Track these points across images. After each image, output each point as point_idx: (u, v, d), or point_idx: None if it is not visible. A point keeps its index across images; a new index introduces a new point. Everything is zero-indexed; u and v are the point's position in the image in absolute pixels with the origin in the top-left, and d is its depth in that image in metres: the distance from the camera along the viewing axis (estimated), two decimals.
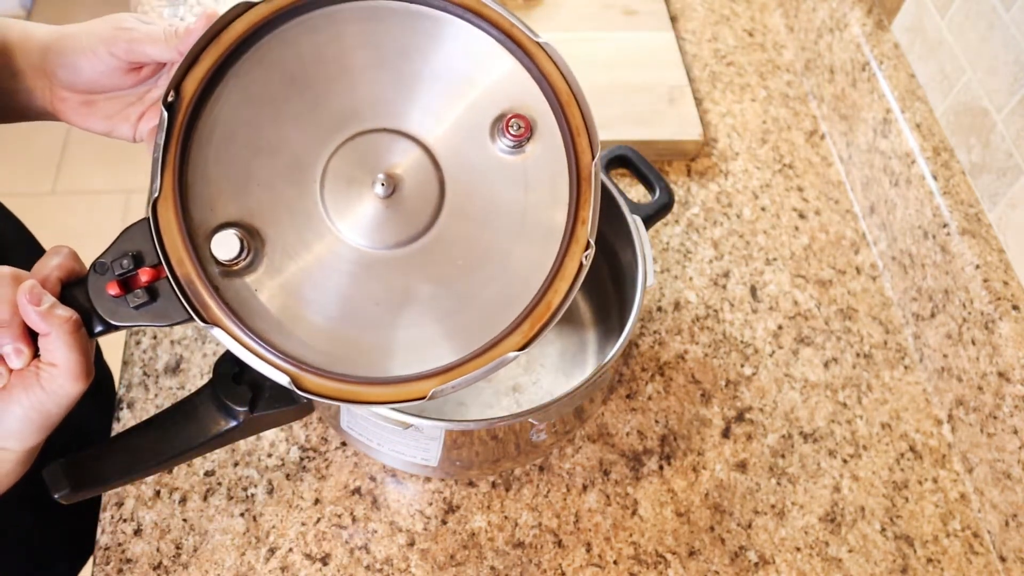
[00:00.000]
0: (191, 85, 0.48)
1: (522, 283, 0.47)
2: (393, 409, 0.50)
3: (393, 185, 0.48)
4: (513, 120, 0.49)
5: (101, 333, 0.44)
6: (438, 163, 0.49)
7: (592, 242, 0.47)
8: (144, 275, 0.44)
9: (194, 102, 0.48)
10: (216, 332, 0.43)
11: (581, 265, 0.47)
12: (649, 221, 0.63)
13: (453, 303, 0.47)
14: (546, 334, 0.46)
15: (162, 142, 0.46)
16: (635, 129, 0.80)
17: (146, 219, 0.45)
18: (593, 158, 0.49)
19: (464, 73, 0.51)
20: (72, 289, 0.44)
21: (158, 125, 0.46)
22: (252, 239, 0.46)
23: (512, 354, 0.45)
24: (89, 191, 1.88)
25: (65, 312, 0.42)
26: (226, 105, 0.49)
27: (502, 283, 0.47)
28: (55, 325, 0.41)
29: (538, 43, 0.51)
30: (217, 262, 0.45)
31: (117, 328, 0.44)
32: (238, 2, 0.50)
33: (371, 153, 0.49)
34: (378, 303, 0.47)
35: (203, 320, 0.44)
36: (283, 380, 0.43)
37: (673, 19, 0.94)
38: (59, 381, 0.42)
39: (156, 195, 0.45)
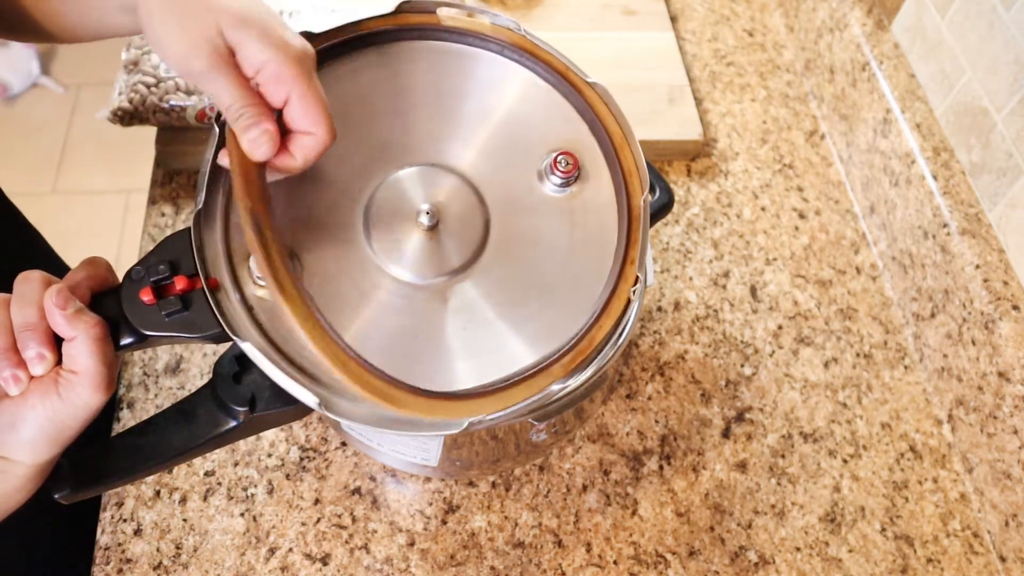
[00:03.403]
0: None
1: (565, 321, 0.46)
2: (429, 435, 0.49)
3: (437, 217, 0.48)
4: (561, 157, 0.50)
5: (128, 347, 0.44)
6: (484, 200, 0.50)
7: (641, 277, 0.47)
8: (179, 283, 0.44)
9: None
10: (246, 347, 0.43)
11: (629, 301, 0.47)
12: (649, 221, 0.63)
13: (494, 339, 0.47)
14: (589, 367, 0.46)
15: (210, 157, 0.46)
16: (635, 129, 0.79)
17: (187, 229, 0.45)
18: (643, 198, 0.49)
19: (515, 114, 0.52)
20: (103, 298, 0.44)
21: (208, 141, 0.46)
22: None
23: (556, 386, 0.44)
24: (89, 191, 1.88)
25: (91, 317, 0.41)
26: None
27: (545, 320, 0.47)
28: (80, 330, 0.40)
29: (590, 84, 0.52)
30: (255, 281, 0.45)
31: (145, 339, 0.44)
32: (299, 31, 0.51)
33: (417, 186, 0.49)
34: (416, 335, 0.46)
35: (234, 333, 0.43)
36: (312, 401, 0.43)
37: (673, 19, 0.94)
38: (77, 390, 0.41)
39: (200, 207, 0.46)
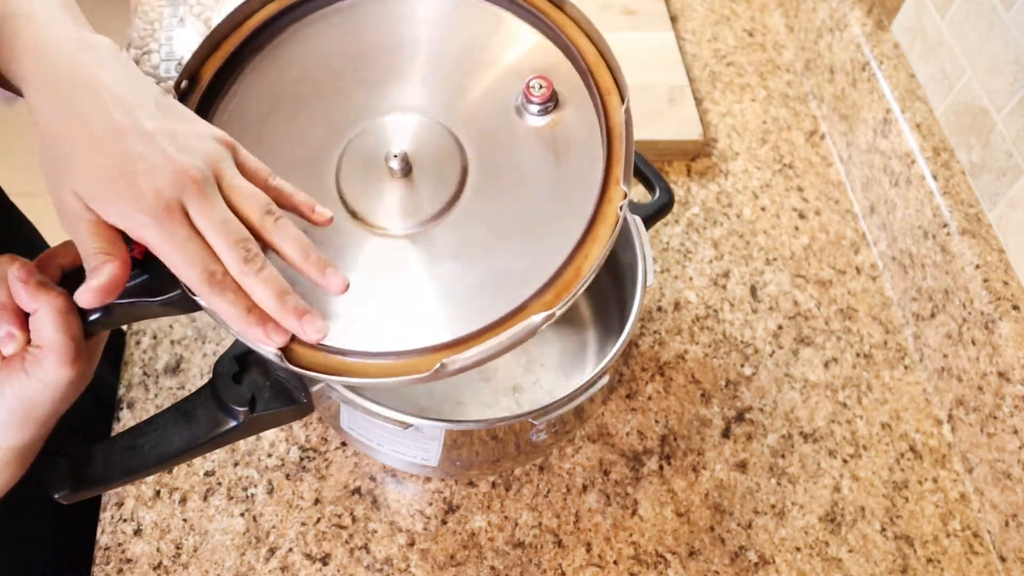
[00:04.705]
0: (207, 72, 0.48)
1: (553, 252, 0.44)
2: (396, 383, 0.45)
3: (407, 163, 0.46)
4: (534, 81, 0.47)
5: (98, 323, 0.43)
6: (459, 141, 0.48)
7: (627, 191, 0.44)
8: (138, 246, 0.43)
9: (206, 89, 0.47)
10: (204, 302, 0.42)
11: (616, 220, 0.44)
12: (649, 221, 0.63)
13: (477, 280, 0.45)
14: (574, 299, 0.43)
15: None
16: (635, 129, 0.80)
17: None
18: (623, 115, 0.46)
19: (484, 50, 0.50)
20: (73, 274, 0.44)
21: None
22: None
23: (538, 317, 0.41)
24: None
25: (55, 290, 0.41)
26: (243, 99, 0.49)
27: (532, 255, 0.45)
28: (43, 301, 0.40)
29: (557, 4, 0.50)
30: None
31: (109, 309, 0.43)
32: None
33: (390, 136, 0.48)
34: (394, 286, 0.45)
35: (192, 291, 0.42)
36: (271, 354, 0.42)
37: (673, 19, 0.94)
38: (44, 365, 0.40)
39: None
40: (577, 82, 0.49)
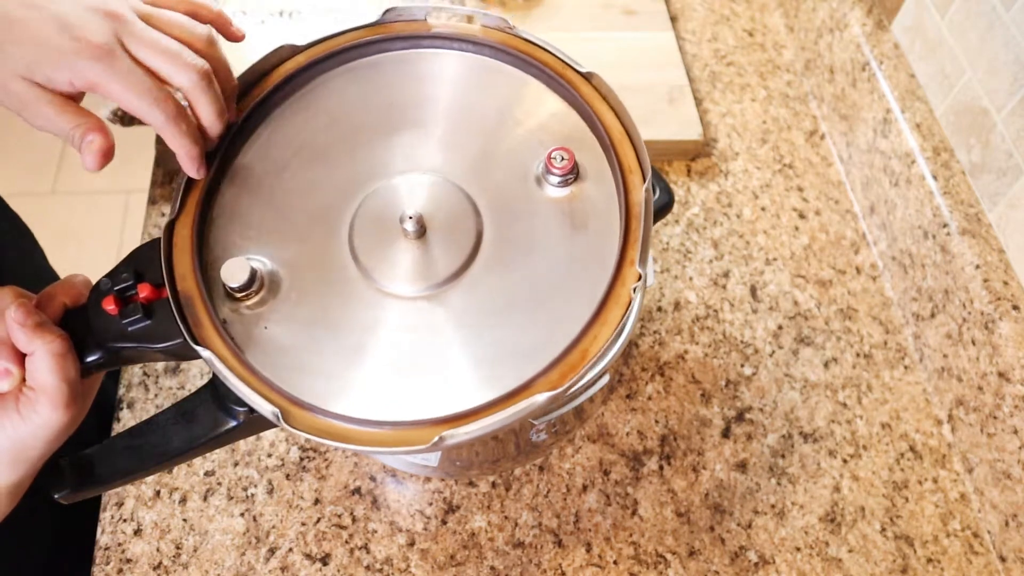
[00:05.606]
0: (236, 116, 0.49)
1: (562, 329, 0.43)
2: (393, 452, 0.45)
3: (422, 225, 0.46)
4: (556, 153, 0.47)
5: (96, 364, 0.43)
6: (477, 207, 0.48)
7: (643, 273, 0.44)
8: (143, 291, 0.43)
9: (230, 136, 0.48)
10: (206, 355, 0.42)
11: (628, 305, 0.43)
12: (652, 217, 0.63)
13: (483, 350, 0.44)
14: (580, 380, 0.42)
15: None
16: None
17: (158, 239, 0.45)
18: (644, 194, 0.46)
19: (509, 115, 0.50)
20: (74, 314, 0.44)
21: None
22: (270, 274, 0.45)
23: (541, 397, 0.41)
24: (89, 191, 1.88)
25: (53, 332, 0.40)
26: (264, 145, 0.49)
27: (540, 330, 0.44)
28: (40, 344, 0.39)
29: (586, 76, 0.50)
30: (227, 292, 0.44)
31: (110, 352, 0.43)
32: (283, 45, 0.50)
33: (406, 196, 0.48)
34: (399, 348, 0.44)
35: (195, 340, 0.42)
36: (268, 412, 0.41)
37: (673, 19, 0.94)
38: (37, 408, 0.40)
39: (174, 216, 0.45)
40: (599, 156, 0.49)
